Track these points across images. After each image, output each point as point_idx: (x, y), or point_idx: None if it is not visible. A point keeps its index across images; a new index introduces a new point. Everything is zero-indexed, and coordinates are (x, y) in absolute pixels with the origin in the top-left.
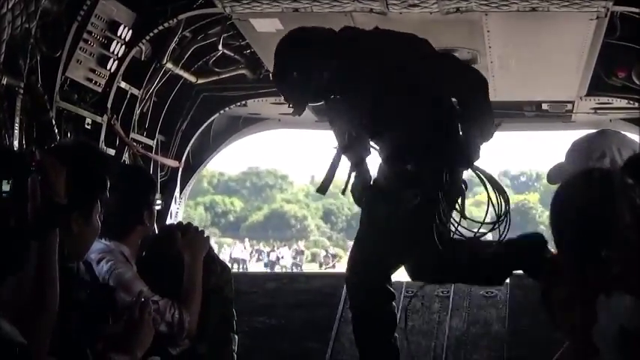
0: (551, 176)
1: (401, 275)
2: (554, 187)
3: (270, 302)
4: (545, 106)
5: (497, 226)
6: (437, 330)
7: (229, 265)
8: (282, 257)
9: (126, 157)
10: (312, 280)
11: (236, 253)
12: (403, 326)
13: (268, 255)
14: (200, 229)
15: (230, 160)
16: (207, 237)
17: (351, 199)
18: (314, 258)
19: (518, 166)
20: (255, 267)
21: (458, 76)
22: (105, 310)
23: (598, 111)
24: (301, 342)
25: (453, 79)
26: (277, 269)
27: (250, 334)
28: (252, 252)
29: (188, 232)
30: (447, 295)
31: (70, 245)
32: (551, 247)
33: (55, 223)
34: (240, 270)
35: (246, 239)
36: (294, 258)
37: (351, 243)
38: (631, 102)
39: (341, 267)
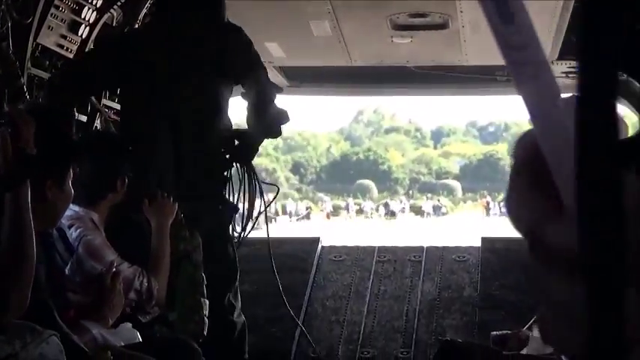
0: None
1: (373, 240)
2: None
3: (243, 268)
4: None
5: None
6: (409, 294)
7: None
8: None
9: (98, 123)
10: (284, 245)
11: None
12: (376, 291)
13: None
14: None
15: None
16: (175, 204)
17: (319, 152)
18: (284, 209)
19: (487, 116)
20: None
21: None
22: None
23: (569, 75)
24: (274, 307)
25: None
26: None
27: None
28: None
29: (155, 199)
30: (419, 259)
31: (44, 212)
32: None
33: (27, 173)
34: None
35: None
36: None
37: (320, 195)
38: None
39: (315, 217)
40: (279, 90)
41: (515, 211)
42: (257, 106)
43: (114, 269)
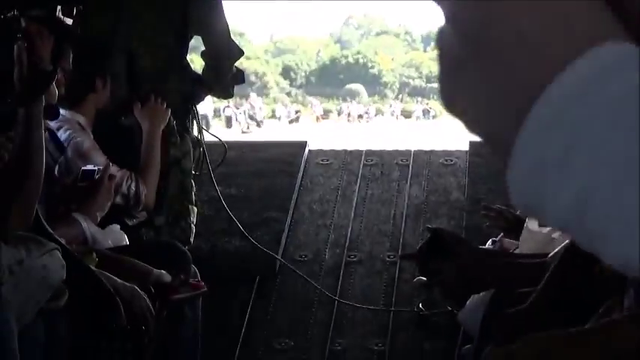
0: None
1: (360, 144)
2: None
3: (230, 171)
4: None
5: None
6: (396, 198)
7: None
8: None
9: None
10: (271, 149)
11: (203, 110)
12: (363, 195)
13: (223, 111)
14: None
15: None
16: (167, 108)
17: (310, 55)
18: (274, 114)
19: None
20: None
21: None
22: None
23: None
24: (260, 211)
25: None
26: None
27: (209, 204)
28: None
29: (147, 102)
30: (407, 163)
31: None
32: None
33: (43, 88)
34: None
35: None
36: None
37: (310, 99)
38: None
39: (305, 120)
40: (241, 53)
41: None
42: (215, 67)
43: (109, 170)
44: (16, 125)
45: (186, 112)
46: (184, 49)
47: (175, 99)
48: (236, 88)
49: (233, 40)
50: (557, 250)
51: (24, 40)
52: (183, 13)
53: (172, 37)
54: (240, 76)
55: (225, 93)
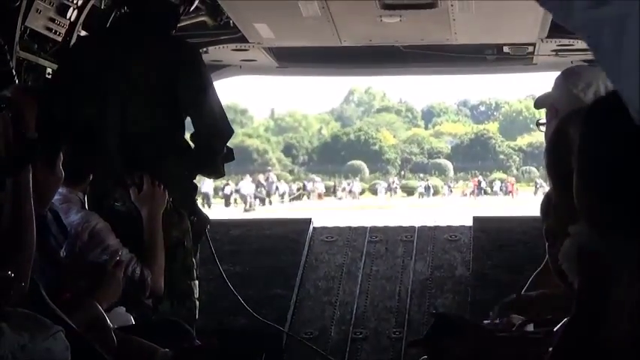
0: (537, 102)
1: (364, 220)
2: (514, 116)
3: (235, 249)
4: (506, 49)
5: None
6: (401, 274)
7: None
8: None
9: None
10: (276, 226)
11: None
12: (368, 271)
13: (223, 189)
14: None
15: None
16: (165, 190)
17: (311, 132)
18: (276, 191)
19: (478, 95)
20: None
21: None
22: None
23: (559, 53)
24: (266, 289)
25: None
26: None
27: (215, 282)
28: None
29: (144, 187)
30: (411, 239)
31: (34, 194)
32: None
33: (29, 158)
34: (205, 204)
35: None
36: (257, 190)
37: (312, 176)
38: None
39: (307, 197)
40: (231, 133)
41: None
42: (205, 147)
43: (117, 258)
44: (5, 195)
45: (184, 191)
46: (181, 131)
47: (176, 179)
48: (240, 167)
49: (224, 120)
50: (561, 324)
51: (9, 111)
52: (173, 95)
53: (165, 119)
54: (229, 155)
55: (216, 173)
